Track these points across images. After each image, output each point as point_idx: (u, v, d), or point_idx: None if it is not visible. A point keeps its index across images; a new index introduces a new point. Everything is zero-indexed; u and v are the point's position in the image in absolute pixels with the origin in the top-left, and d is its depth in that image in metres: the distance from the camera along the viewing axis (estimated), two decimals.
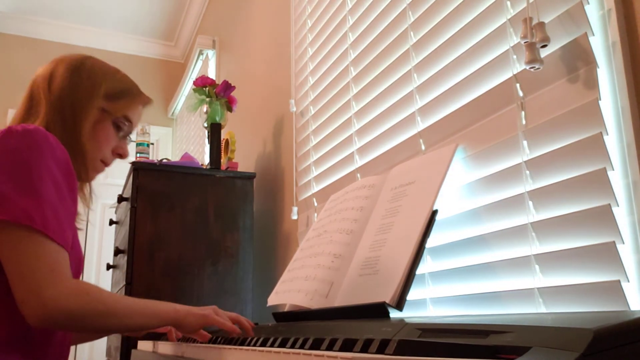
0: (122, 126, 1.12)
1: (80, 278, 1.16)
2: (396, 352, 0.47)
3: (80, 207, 1.09)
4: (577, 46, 0.77)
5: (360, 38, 1.39)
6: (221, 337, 0.96)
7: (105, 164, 1.13)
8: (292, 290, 1.09)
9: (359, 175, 1.34)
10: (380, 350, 0.49)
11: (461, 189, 0.97)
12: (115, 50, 4.36)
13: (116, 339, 1.85)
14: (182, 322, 0.94)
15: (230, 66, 2.99)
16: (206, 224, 1.87)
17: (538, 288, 0.78)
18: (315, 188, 1.60)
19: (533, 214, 0.82)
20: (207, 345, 0.87)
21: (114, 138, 1.12)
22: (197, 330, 0.96)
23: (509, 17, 0.90)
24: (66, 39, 4.20)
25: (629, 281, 0.67)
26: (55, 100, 1.04)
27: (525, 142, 0.85)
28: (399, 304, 0.82)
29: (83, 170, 1.06)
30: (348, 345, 0.54)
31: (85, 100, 1.06)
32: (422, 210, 0.89)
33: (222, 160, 2.12)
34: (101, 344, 3.72)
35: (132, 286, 1.73)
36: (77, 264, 1.07)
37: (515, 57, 0.89)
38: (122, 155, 1.16)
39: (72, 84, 1.06)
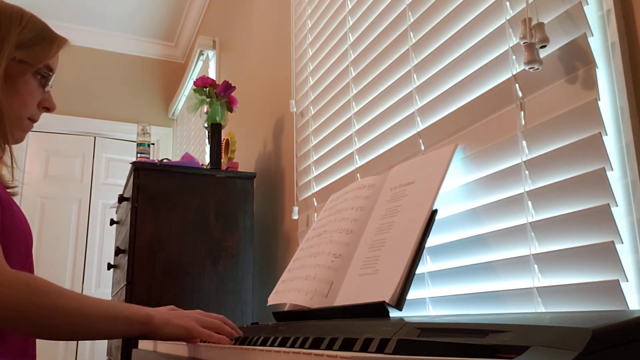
0: (44, 76, 1.01)
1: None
2: (396, 352, 0.47)
3: (6, 171, 1.00)
4: (576, 47, 0.77)
5: (360, 38, 1.39)
6: None
7: (33, 120, 1.02)
8: (292, 289, 1.10)
9: (359, 175, 1.35)
10: (380, 349, 0.49)
11: (460, 189, 0.98)
12: (115, 51, 4.36)
13: None
14: (159, 332, 0.83)
15: (230, 66, 2.99)
16: (206, 224, 1.87)
17: (537, 288, 0.78)
18: (315, 188, 1.60)
19: (532, 214, 0.82)
20: (207, 344, 0.87)
21: (38, 91, 1.01)
22: (175, 340, 0.85)
23: (508, 17, 0.90)
24: None
25: (627, 281, 0.67)
26: None
27: (524, 143, 0.85)
28: (399, 304, 0.82)
29: (1, 133, 0.95)
30: (348, 345, 0.54)
31: None
32: (421, 210, 0.89)
33: (222, 161, 2.12)
34: (102, 343, 3.72)
35: (133, 286, 1.74)
36: (24, 237, 0.97)
37: (514, 57, 0.89)
38: (49, 108, 1.04)
39: None
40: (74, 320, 0.78)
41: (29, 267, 1.00)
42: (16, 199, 1.02)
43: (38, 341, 1.08)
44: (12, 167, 1.00)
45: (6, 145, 0.98)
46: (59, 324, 0.78)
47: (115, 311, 0.82)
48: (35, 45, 0.99)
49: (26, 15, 1.01)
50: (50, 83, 1.04)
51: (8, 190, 1.00)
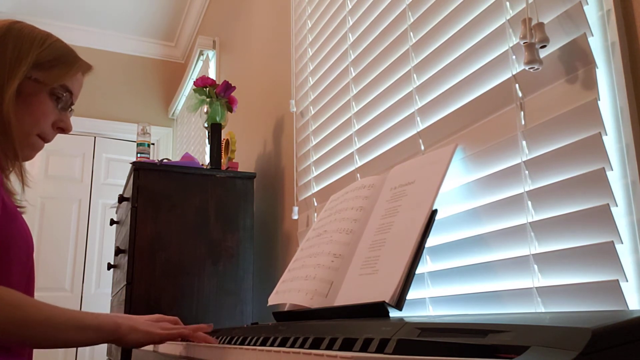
0: (60, 97, 1.03)
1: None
2: (396, 352, 0.47)
3: (18, 187, 1.02)
4: (576, 47, 0.77)
5: (360, 38, 1.39)
6: (222, 336, 0.96)
7: (44, 139, 1.04)
8: (292, 289, 1.10)
9: (359, 175, 1.35)
10: (380, 349, 0.49)
11: (460, 189, 0.98)
12: (115, 51, 4.36)
13: None
14: (125, 339, 0.88)
15: (230, 66, 2.99)
16: (206, 224, 1.87)
17: (537, 288, 0.78)
18: (315, 188, 1.60)
19: (532, 214, 0.82)
20: (208, 344, 0.87)
21: (52, 111, 1.02)
22: (141, 346, 0.90)
23: (508, 17, 0.90)
24: (66, 39, 4.17)
25: (627, 281, 0.67)
26: None
27: (524, 142, 0.85)
28: (399, 304, 0.82)
29: (10, 148, 0.96)
30: (348, 345, 0.54)
31: (8, 72, 0.96)
32: (421, 210, 0.89)
33: (222, 161, 2.12)
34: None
35: (133, 286, 1.74)
36: (26, 246, 1.00)
37: (514, 57, 0.89)
38: (64, 129, 1.06)
39: None
40: (44, 330, 0.82)
41: (29, 272, 1.02)
42: None
43: None
44: (23, 185, 1.02)
45: (16, 162, 1.00)
46: (30, 335, 0.81)
47: (84, 321, 0.86)
48: (54, 67, 1.02)
49: (51, 39, 1.04)
50: (72, 107, 1.07)
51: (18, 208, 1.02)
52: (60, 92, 1.03)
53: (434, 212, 0.89)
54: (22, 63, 0.98)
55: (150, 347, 1.26)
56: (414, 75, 1.15)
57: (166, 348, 1.10)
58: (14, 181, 1.02)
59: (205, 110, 2.13)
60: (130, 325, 0.89)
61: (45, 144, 1.06)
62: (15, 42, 0.99)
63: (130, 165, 1.87)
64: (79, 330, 0.85)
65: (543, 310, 0.77)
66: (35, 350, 1.07)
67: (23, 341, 0.83)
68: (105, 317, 0.89)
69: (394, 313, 0.82)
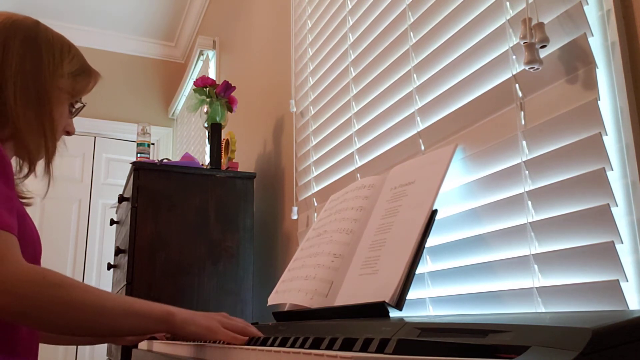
0: (76, 106, 1.09)
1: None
2: (396, 352, 0.47)
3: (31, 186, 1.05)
4: (576, 47, 0.77)
5: (360, 38, 1.39)
6: None
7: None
8: (292, 289, 1.10)
9: (359, 175, 1.35)
10: (380, 349, 0.49)
11: (460, 189, 0.98)
12: (115, 51, 4.36)
13: None
14: (180, 330, 0.83)
15: (230, 66, 2.99)
16: (206, 224, 1.87)
17: (537, 288, 0.78)
18: (315, 188, 1.60)
19: (532, 214, 0.82)
20: (208, 344, 0.87)
21: (66, 117, 1.08)
22: (196, 339, 0.85)
23: (508, 17, 0.90)
24: None
25: (627, 281, 0.67)
26: (15, 75, 0.95)
27: (524, 143, 0.85)
28: (399, 304, 0.82)
29: (36, 149, 0.99)
30: (348, 345, 0.54)
31: (50, 78, 1.00)
32: (421, 210, 0.89)
33: (222, 161, 2.12)
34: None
35: (133, 286, 1.74)
36: (33, 246, 0.99)
37: (514, 57, 0.89)
38: (70, 132, 1.11)
39: (34, 59, 0.98)
40: (90, 314, 0.78)
41: None
42: None
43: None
44: (29, 172, 1.05)
45: (32, 166, 1.04)
46: (75, 318, 0.77)
47: (133, 307, 0.81)
48: (78, 77, 1.06)
49: (73, 46, 1.08)
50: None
51: (24, 200, 1.04)
52: (79, 101, 1.08)
53: (434, 212, 0.89)
54: (57, 71, 1.01)
55: (145, 347, 1.26)
56: (414, 75, 1.15)
57: (166, 348, 1.10)
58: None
59: (205, 110, 2.13)
60: (186, 317, 0.83)
61: None
62: (47, 47, 1.01)
63: (130, 165, 1.87)
64: (127, 316, 0.80)
65: (543, 310, 0.77)
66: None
67: (66, 324, 0.77)
68: (157, 305, 0.83)
69: (394, 313, 0.82)
